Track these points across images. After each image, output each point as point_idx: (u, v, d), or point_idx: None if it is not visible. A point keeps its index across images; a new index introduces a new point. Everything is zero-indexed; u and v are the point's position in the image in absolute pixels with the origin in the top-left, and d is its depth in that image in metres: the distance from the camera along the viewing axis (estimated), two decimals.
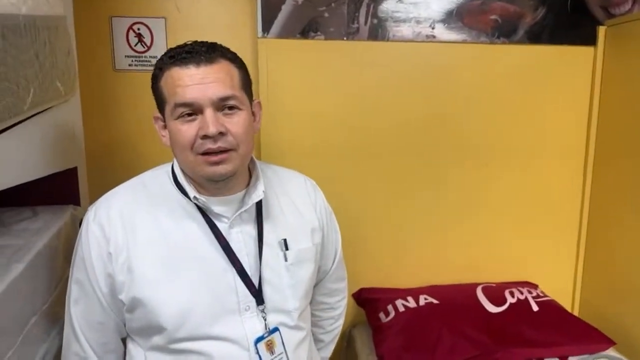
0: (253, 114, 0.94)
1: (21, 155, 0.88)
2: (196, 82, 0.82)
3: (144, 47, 1.61)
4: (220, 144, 0.84)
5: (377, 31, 1.68)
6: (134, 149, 1.62)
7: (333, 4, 1.65)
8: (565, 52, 1.77)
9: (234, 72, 0.88)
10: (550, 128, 1.81)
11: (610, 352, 1.51)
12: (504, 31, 1.73)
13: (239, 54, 1.71)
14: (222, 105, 0.85)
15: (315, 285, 1.15)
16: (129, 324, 0.93)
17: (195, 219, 0.91)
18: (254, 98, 0.96)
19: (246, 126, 0.88)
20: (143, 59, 1.61)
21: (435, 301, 1.64)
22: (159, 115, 0.92)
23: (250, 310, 0.92)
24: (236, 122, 0.86)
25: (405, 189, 1.79)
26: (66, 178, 1.15)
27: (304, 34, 1.65)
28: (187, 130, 0.84)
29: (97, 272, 0.88)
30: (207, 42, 0.87)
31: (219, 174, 0.86)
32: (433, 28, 1.70)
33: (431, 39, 1.71)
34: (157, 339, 0.89)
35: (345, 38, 1.67)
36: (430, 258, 1.85)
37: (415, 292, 1.72)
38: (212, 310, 0.89)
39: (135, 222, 0.89)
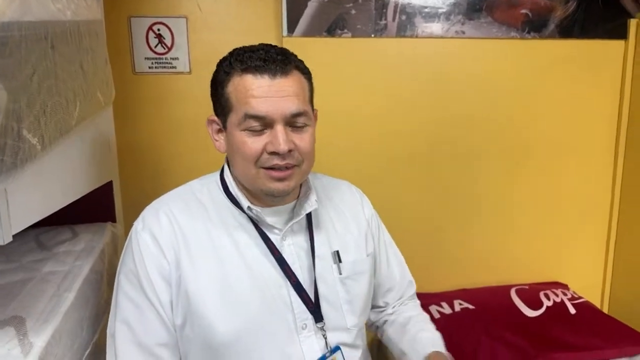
0: None
1: (66, 174, 0.82)
2: (270, 94, 0.78)
3: (165, 49, 1.54)
4: (288, 161, 0.80)
5: (406, 27, 1.62)
6: (162, 156, 1.55)
7: (360, 0, 1.58)
8: (596, 46, 1.73)
9: (305, 84, 0.84)
10: (580, 124, 1.78)
11: None
12: (535, 26, 1.68)
13: None
14: (292, 122, 0.81)
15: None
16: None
17: (246, 230, 0.86)
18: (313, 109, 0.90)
19: (312, 143, 0.84)
20: (164, 60, 1.54)
21: (470, 306, 1.61)
22: (214, 118, 0.87)
23: (308, 329, 0.86)
24: (304, 139, 0.82)
25: (433, 190, 1.75)
26: (102, 193, 1.08)
27: (331, 32, 1.59)
28: (254, 143, 0.79)
29: (156, 284, 0.80)
30: (277, 47, 0.81)
31: (281, 191, 0.82)
32: (463, 24, 1.64)
33: (461, 35, 1.65)
34: (209, 358, 0.82)
35: (372, 35, 1.61)
36: (458, 260, 1.82)
37: (448, 297, 1.68)
38: (267, 329, 0.83)
39: (186, 232, 0.84)
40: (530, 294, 1.68)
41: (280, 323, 0.84)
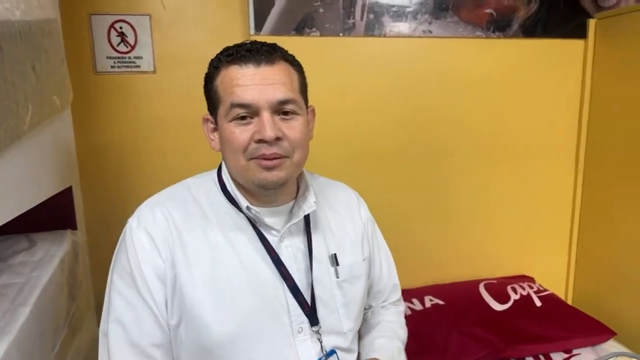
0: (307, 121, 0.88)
1: (20, 182, 0.78)
2: (255, 82, 0.77)
3: (128, 47, 1.49)
4: (275, 150, 0.78)
5: (374, 27, 1.63)
6: (125, 160, 1.51)
7: None
8: (557, 45, 1.77)
9: (294, 75, 0.83)
10: (543, 122, 1.82)
11: (612, 343, 1.54)
12: (499, 25, 1.71)
13: None
14: (280, 109, 0.79)
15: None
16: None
17: (244, 231, 0.85)
18: (308, 104, 0.89)
19: (303, 132, 0.82)
20: (127, 60, 1.49)
21: (440, 302, 1.63)
22: (209, 117, 0.86)
23: (304, 332, 0.85)
24: (293, 127, 0.80)
25: (402, 187, 1.76)
26: (61, 199, 1.03)
27: (299, 30, 1.58)
28: (241, 133, 0.78)
29: (151, 284, 0.78)
30: (266, 42, 0.82)
31: (271, 182, 0.80)
32: (430, 23, 1.66)
33: (428, 34, 1.67)
34: None
35: (341, 34, 1.60)
36: (429, 256, 1.84)
37: (418, 293, 1.70)
38: (262, 331, 0.82)
39: (182, 230, 0.82)
40: (498, 288, 1.71)
41: (275, 326, 0.83)
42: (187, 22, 1.52)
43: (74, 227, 1.11)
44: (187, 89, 1.55)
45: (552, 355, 1.48)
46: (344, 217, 0.97)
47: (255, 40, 0.82)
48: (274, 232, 0.86)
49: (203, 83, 0.85)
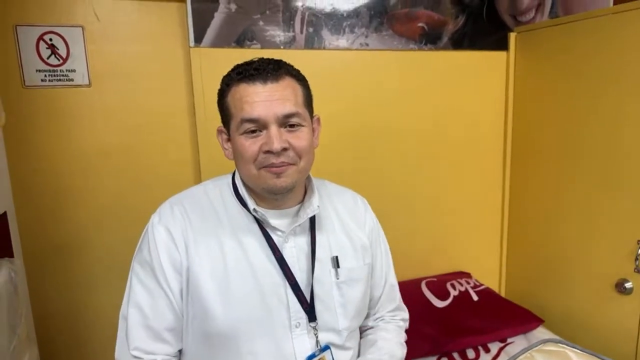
0: (312, 129, 0.95)
1: None
2: (263, 99, 0.84)
3: (59, 60, 1.42)
4: (283, 159, 0.86)
5: (314, 39, 1.67)
6: (62, 180, 1.43)
7: (267, 12, 1.60)
8: (482, 57, 1.91)
9: (298, 89, 0.90)
10: (472, 128, 1.95)
11: (541, 329, 1.68)
12: (431, 38, 1.82)
13: (170, 64, 1.60)
14: (286, 122, 0.87)
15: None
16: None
17: (252, 230, 0.93)
18: (314, 114, 0.97)
19: (308, 141, 0.90)
20: (59, 73, 1.43)
21: None
22: (223, 129, 0.94)
23: (301, 327, 0.92)
24: (299, 138, 0.88)
25: None
26: None
27: (240, 42, 1.58)
28: (251, 145, 0.86)
29: (168, 274, 0.88)
30: (272, 59, 0.89)
31: (279, 187, 0.88)
32: (366, 36, 1.73)
33: (365, 47, 1.73)
34: (205, 348, 0.89)
35: (282, 47, 1.63)
36: None
37: None
38: (262, 324, 0.89)
39: (196, 228, 0.91)
40: (439, 286, 1.81)
41: (275, 319, 0.90)
42: (123, 34, 1.48)
43: (10, 255, 1.04)
44: (126, 102, 1.51)
45: (489, 345, 1.59)
46: (348, 222, 1.04)
47: (262, 58, 0.89)
48: (279, 233, 0.93)
49: (217, 98, 0.91)
